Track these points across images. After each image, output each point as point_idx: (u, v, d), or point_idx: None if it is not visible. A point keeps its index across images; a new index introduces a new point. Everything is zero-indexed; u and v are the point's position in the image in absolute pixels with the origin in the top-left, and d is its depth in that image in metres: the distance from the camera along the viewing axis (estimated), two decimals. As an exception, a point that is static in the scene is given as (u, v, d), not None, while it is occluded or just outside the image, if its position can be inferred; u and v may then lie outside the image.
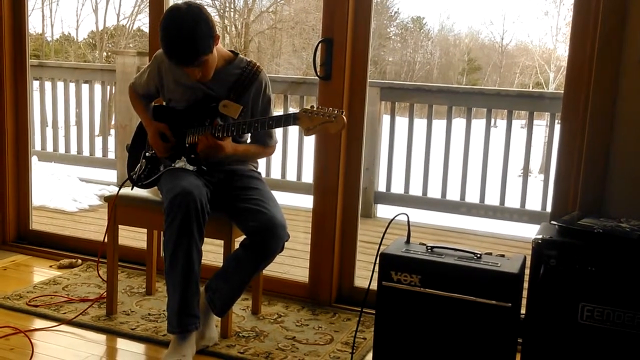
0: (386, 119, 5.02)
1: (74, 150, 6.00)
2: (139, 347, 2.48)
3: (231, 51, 2.51)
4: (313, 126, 2.16)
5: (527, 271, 2.14)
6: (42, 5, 13.92)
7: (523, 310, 2.14)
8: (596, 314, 2.01)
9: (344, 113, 2.14)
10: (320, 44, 2.78)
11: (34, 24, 14.32)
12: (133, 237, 3.59)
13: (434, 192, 4.90)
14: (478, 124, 4.91)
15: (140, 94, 2.65)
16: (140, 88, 2.64)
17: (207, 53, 2.26)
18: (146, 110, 2.61)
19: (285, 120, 2.24)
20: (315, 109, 2.16)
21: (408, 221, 2.31)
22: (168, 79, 2.51)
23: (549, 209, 2.77)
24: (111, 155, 5.98)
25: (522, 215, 4.63)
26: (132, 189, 2.62)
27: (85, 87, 5.86)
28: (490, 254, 2.21)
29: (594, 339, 2.01)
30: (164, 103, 2.60)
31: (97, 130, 6.12)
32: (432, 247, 2.23)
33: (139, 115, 2.63)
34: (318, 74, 2.80)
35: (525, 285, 2.14)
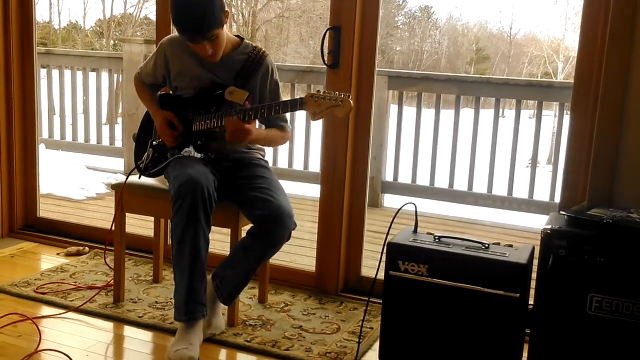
0: (394, 108, 5.00)
1: (81, 139, 6.01)
2: (146, 335, 2.48)
3: (237, 36, 2.50)
4: (320, 111, 2.14)
5: (535, 262, 2.13)
6: (50, -7, 13.93)
7: (531, 301, 2.14)
8: (605, 305, 2.00)
9: (350, 97, 2.12)
10: (328, 32, 2.77)
11: (41, 13, 14.34)
12: (140, 225, 3.60)
13: (442, 182, 4.89)
14: (486, 114, 4.88)
15: (146, 83, 2.64)
16: (146, 77, 2.63)
17: (220, 26, 2.27)
18: (153, 100, 2.60)
19: (292, 106, 2.23)
20: (322, 93, 2.14)
21: (416, 211, 2.30)
22: (175, 66, 2.50)
23: (557, 199, 2.76)
24: (118, 143, 5.99)
25: (530, 205, 4.61)
26: (139, 178, 2.62)
27: (92, 76, 5.87)
28: (498, 244, 2.20)
29: (603, 330, 2.00)
30: (171, 92, 2.59)
31: (104, 119, 6.12)
32: (440, 237, 2.22)
33: (146, 105, 2.62)
34: (326, 62, 2.78)
35: (534, 275, 2.13)
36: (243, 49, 2.48)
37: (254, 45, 2.50)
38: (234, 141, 2.37)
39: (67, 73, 5.92)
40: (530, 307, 2.13)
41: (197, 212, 2.22)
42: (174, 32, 2.92)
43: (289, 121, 2.57)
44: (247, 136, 2.34)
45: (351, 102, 2.11)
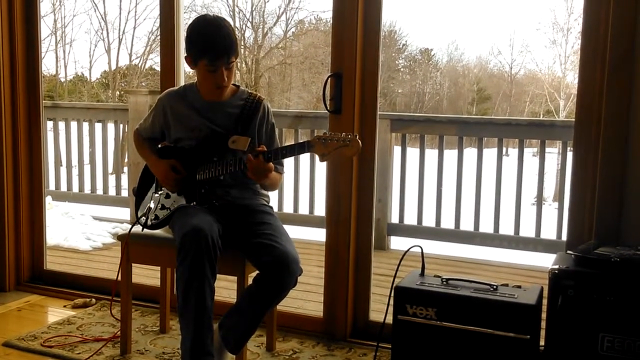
0: (397, 150, 5.02)
1: (87, 189, 6.04)
2: (153, 387, 2.46)
3: (232, 84, 2.56)
4: (328, 152, 2.16)
5: (544, 302, 2.11)
6: (56, 46, 14.16)
7: (542, 342, 2.11)
8: (617, 344, 1.97)
9: (358, 136, 2.15)
10: (329, 79, 2.80)
11: (48, 66, 14.55)
12: (146, 274, 3.58)
13: (448, 223, 4.88)
14: (490, 153, 4.89)
15: (144, 137, 2.69)
16: (144, 131, 2.69)
17: (238, 55, 2.40)
18: (152, 151, 2.64)
19: (300, 149, 2.25)
20: (329, 134, 2.17)
21: (422, 253, 2.29)
22: (174, 118, 2.55)
23: (564, 237, 2.74)
24: (124, 193, 6.01)
25: (537, 244, 4.58)
26: (142, 230, 2.61)
27: (98, 126, 5.94)
28: (506, 285, 2.19)
29: (616, 371, 1.97)
30: (171, 145, 2.61)
31: (110, 169, 6.17)
32: (448, 280, 2.21)
33: (145, 157, 2.66)
34: (328, 108, 2.82)
35: (544, 316, 2.10)
36: (240, 95, 2.55)
37: (249, 91, 2.57)
38: (255, 178, 2.36)
39: (74, 124, 5.99)
40: (542, 348, 2.10)
41: (202, 261, 2.21)
42: (178, 83, 2.98)
43: (284, 165, 2.60)
44: (268, 173, 2.34)
45: (359, 141, 2.13)
